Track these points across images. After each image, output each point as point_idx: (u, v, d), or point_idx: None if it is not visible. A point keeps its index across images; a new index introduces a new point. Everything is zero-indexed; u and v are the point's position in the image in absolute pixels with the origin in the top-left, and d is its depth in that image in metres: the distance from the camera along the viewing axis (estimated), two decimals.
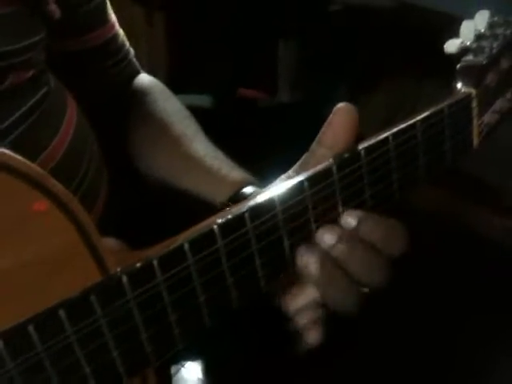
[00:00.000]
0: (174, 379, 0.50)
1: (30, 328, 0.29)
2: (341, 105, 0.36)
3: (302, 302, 0.37)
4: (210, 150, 0.48)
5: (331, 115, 0.36)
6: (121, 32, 0.56)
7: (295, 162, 0.40)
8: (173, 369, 0.51)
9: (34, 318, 0.29)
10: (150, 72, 0.60)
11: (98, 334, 0.30)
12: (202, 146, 0.48)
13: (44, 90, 0.44)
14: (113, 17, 0.55)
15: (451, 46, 0.42)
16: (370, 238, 0.35)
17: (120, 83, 0.56)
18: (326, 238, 0.34)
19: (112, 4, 0.55)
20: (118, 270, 0.31)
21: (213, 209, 0.43)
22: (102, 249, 0.31)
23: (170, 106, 0.54)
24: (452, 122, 0.38)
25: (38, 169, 0.29)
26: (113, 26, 0.55)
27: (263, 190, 0.41)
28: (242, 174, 0.45)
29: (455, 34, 0.44)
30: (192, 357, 0.55)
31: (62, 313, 0.29)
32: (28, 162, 0.29)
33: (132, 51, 0.58)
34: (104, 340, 0.30)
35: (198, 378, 0.55)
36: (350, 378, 0.51)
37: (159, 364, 0.32)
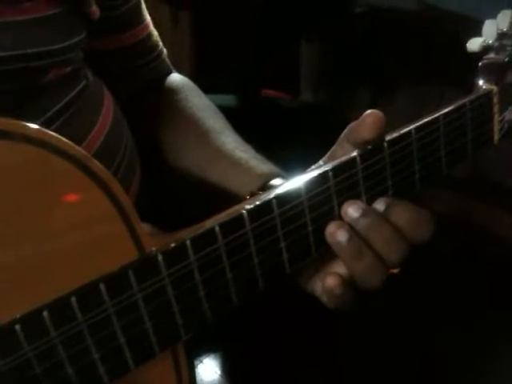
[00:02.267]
0: None
1: (73, 300, 0.31)
2: (370, 111, 0.37)
3: (330, 281, 0.38)
4: (238, 144, 0.50)
5: (360, 118, 0.38)
6: (154, 32, 0.58)
7: (317, 160, 0.42)
8: None
9: (77, 291, 0.31)
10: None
11: (134, 308, 0.32)
12: (230, 140, 0.50)
13: (82, 84, 0.46)
14: (147, 16, 0.57)
15: (473, 44, 0.43)
16: (398, 221, 0.36)
17: (153, 81, 0.58)
18: (350, 211, 0.36)
19: None
20: (154, 249, 0.33)
21: (240, 200, 0.45)
22: (140, 230, 0.33)
23: (200, 103, 0.55)
24: (473, 117, 0.39)
25: (81, 150, 0.31)
26: (147, 26, 0.57)
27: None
28: (269, 166, 0.47)
29: (478, 35, 0.45)
30: (210, 352, 0.56)
31: (102, 286, 0.31)
32: (71, 143, 0.31)
33: (165, 51, 0.60)
34: (139, 313, 0.32)
35: (216, 373, 0.56)
36: (352, 377, 0.52)
37: (188, 338, 0.34)
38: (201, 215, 0.35)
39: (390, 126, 0.40)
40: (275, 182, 0.45)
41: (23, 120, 0.32)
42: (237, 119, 0.56)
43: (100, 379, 0.33)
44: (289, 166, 0.48)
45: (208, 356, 0.56)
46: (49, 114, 0.42)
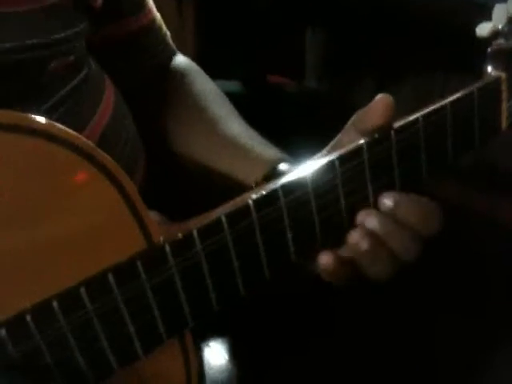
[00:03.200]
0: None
1: (82, 290, 0.31)
2: (381, 95, 0.37)
3: (323, 258, 0.38)
4: (244, 130, 0.50)
5: (370, 103, 0.37)
6: (158, 16, 0.58)
7: (322, 146, 0.41)
8: None
9: (86, 281, 0.31)
10: None
11: (143, 297, 0.33)
12: (236, 126, 0.50)
13: (84, 73, 0.46)
14: (150, 1, 0.56)
15: (483, 29, 0.42)
16: (407, 217, 0.36)
17: (158, 65, 0.57)
18: (367, 222, 0.36)
19: None
20: (162, 239, 0.33)
21: (247, 187, 0.45)
22: (147, 219, 0.33)
23: (206, 88, 0.55)
24: (481, 104, 0.39)
25: (87, 140, 0.31)
26: (150, 11, 0.56)
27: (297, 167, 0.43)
28: (276, 152, 0.47)
29: (485, 20, 0.45)
30: (217, 336, 0.57)
31: (110, 276, 0.32)
32: (76, 134, 0.31)
33: (168, 34, 0.59)
34: (147, 302, 0.33)
35: (224, 358, 0.56)
36: (352, 376, 0.52)
37: (195, 325, 0.35)
38: (207, 203, 0.36)
39: (395, 112, 0.39)
40: (282, 166, 0.45)
41: (26, 108, 0.33)
42: (242, 105, 0.56)
43: (110, 367, 0.33)
44: (294, 152, 0.48)
45: (215, 340, 0.56)
46: (51, 103, 0.42)
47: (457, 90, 0.39)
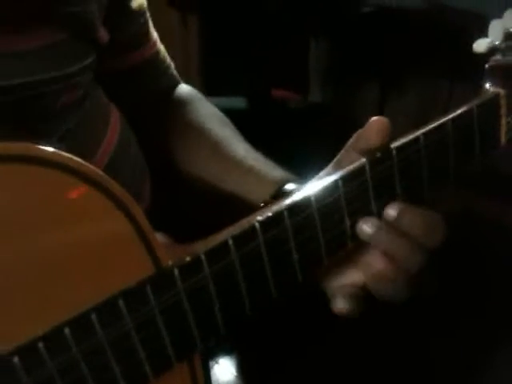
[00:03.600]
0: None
1: (93, 316, 0.32)
2: (376, 117, 0.38)
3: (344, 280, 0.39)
4: (249, 152, 0.50)
5: (366, 125, 0.38)
6: (162, 48, 0.59)
7: (327, 160, 0.42)
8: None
9: (96, 307, 0.32)
10: (184, 74, 0.63)
11: (152, 321, 0.33)
12: (241, 149, 0.51)
13: (88, 106, 0.47)
14: (155, 34, 0.58)
15: (480, 45, 0.43)
16: (410, 230, 0.37)
17: (160, 96, 0.59)
18: (364, 228, 0.37)
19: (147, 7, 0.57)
20: (170, 263, 0.34)
21: (254, 207, 0.45)
22: (155, 243, 0.34)
23: (209, 113, 0.56)
24: (481, 120, 0.39)
25: (99, 171, 0.32)
26: (155, 43, 0.58)
27: (302, 187, 0.44)
28: (281, 172, 0.47)
29: (484, 33, 0.45)
30: (226, 353, 0.57)
31: (121, 302, 0.32)
32: (89, 165, 0.32)
33: (172, 65, 0.61)
34: (157, 326, 0.33)
35: (232, 374, 0.57)
36: (351, 376, 0.53)
37: (203, 348, 0.35)
38: (213, 223, 0.36)
39: (398, 124, 0.40)
40: (288, 187, 0.46)
41: (36, 139, 0.33)
42: (246, 121, 0.56)
43: None
44: (299, 166, 0.48)
45: (224, 357, 0.57)
46: (59, 134, 0.43)
47: (460, 101, 0.40)
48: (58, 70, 0.42)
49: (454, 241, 0.39)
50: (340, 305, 0.38)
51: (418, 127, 0.38)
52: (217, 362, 0.56)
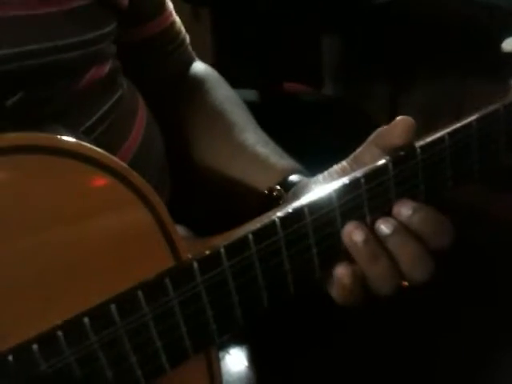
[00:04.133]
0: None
1: (112, 306, 0.32)
2: (401, 117, 0.37)
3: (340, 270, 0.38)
4: (260, 139, 0.50)
5: (391, 123, 0.37)
6: (177, 19, 0.58)
7: (339, 153, 0.41)
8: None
9: (116, 298, 0.32)
10: None
11: (171, 313, 0.33)
12: (252, 135, 0.50)
13: (118, 94, 0.46)
14: (170, 4, 0.56)
15: (509, 44, 0.42)
16: (421, 229, 0.36)
17: (178, 70, 0.57)
18: (382, 228, 0.36)
19: None
20: (190, 256, 0.34)
21: (259, 194, 0.45)
22: (175, 235, 0.34)
23: (224, 95, 0.55)
24: (507, 121, 0.39)
25: (122, 163, 0.32)
26: (171, 13, 0.56)
27: (309, 178, 0.43)
28: (290, 162, 0.47)
29: (503, 28, 0.45)
30: (237, 344, 0.57)
31: (139, 293, 0.32)
32: (112, 157, 0.32)
33: (188, 38, 0.59)
34: (175, 318, 0.33)
35: (243, 365, 0.57)
36: (351, 375, 0.53)
37: (221, 341, 0.35)
38: (221, 209, 0.36)
39: (411, 117, 0.39)
40: (294, 177, 0.45)
41: (65, 129, 0.33)
42: (257, 114, 0.56)
43: (137, 381, 0.34)
44: (311, 160, 0.48)
45: (235, 347, 0.56)
46: (87, 124, 0.43)
47: (474, 96, 0.39)
48: (75, 36, 0.41)
49: (457, 238, 0.39)
50: (340, 270, 0.36)
51: (430, 121, 0.38)
52: (228, 353, 0.56)
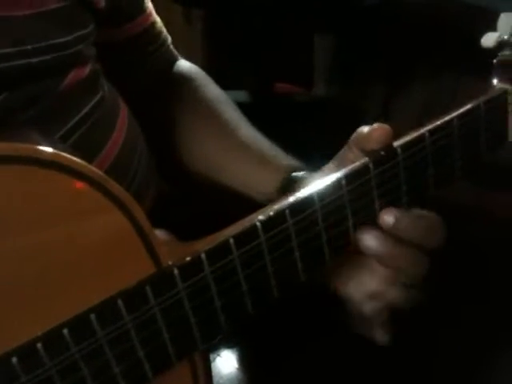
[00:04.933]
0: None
1: (92, 316, 0.32)
2: (377, 125, 0.37)
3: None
4: (255, 137, 0.49)
5: (368, 129, 0.37)
6: (158, 19, 0.57)
7: (331, 154, 0.41)
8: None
9: (95, 308, 0.32)
10: None
11: (152, 321, 0.33)
12: (247, 133, 0.49)
13: (99, 95, 0.46)
14: (150, 5, 0.56)
15: (488, 39, 0.42)
16: (408, 235, 0.36)
17: (161, 69, 0.57)
18: (367, 243, 0.36)
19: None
20: (170, 263, 0.33)
21: (259, 193, 0.45)
22: (154, 241, 0.33)
23: (213, 93, 0.54)
24: (487, 117, 0.39)
25: (99, 171, 0.32)
26: (151, 13, 0.56)
27: (312, 174, 0.43)
28: (288, 159, 0.47)
29: (493, 27, 0.44)
30: (228, 346, 0.57)
31: (120, 302, 0.32)
32: (88, 165, 0.32)
33: (169, 38, 0.58)
34: (157, 326, 0.33)
35: (234, 367, 0.56)
36: (352, 372, 0.52)
37: (205, 348, 0.35)
38: (217, 212, 0.35)
39: (405, 117, 0.39)
40: (297, 174, 0.44)
41: (38, 137, 0.33)
42: (249, 115, 0.56)
43: None
44: (303, 161, 0.48)
45: (226, 349, 0.56)
46: (67, 127, 0.42)
47: (467, 96, 0.39)
48: (48, 39, 0.40)
49: (453, 238, 0.38)
50: (381, 337, 0.38)
51: (423, 122, 0.38)
52: (219, 355, 0.55)
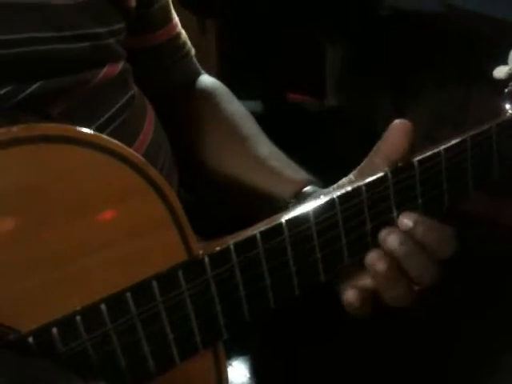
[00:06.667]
0: None
1: (128, 294, 0.34)
2: (397, 121, 0.40)
3: (350, 295, 0.41)
4: (273, 152, 0.52)
5: (388, 130, 0.40)
6: (183, 32, 0.59)
7: (344, 164, 0.44)
8: None
9: (131, 287, 0.34)
10: None
11: (182, 305, 0.35)
12: (266, 147, 0.52)
13: (130, 94, 0.48)
14: (175, 16, 0.58)
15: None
16: (424, 240, 0.39)
17: (184, 80, 0.59)
18: (390, 240, 0.39)
19: None
20: (201, 251, 0.36)
21: (275, 207, 0.47)
22: (188, 229, 0.36)
23: (234, 108, 0.57)
24: (499, 139, 0.42)
25: (141, 157, 0.34)
26: (177, 24, 0.58)
27: (323, 189, 0.46)
28: (303, 174, 0.49)
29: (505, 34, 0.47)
30: (240, 355, 0.58)
31: (154, 283, 0.34)
32: (132, 150, 0.34)
33: (193, 50, 0.61)
34: (186, 310, 0.35)
35: (246, 376, 0.57)
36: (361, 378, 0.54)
37: (228, 337, 0.37)
38: (236, 221, 0.38)
39: (416, 127, 0.42)
40: (309, 189, 0.47)
41: (78, 124, 0.35)
42: (263, 125, 0.58)
43: (148, 371, 0.36)
44: (316, 171, 0.50)
45: (237, 359, 0.57)
46: (100, 121, 0.44)
47: (478, 106, 0.42)
48: (88, 28, 0.43)
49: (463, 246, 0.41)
50: (350, 295, 0.40)
51: (434, 132, 0.40)
52: (230, 364, 0.56)
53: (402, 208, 0.40)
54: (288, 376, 0.54)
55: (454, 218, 0.42)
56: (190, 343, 0.36)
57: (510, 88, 0.44)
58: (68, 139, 0.33)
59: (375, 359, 0.54)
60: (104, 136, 0.34)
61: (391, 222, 0.40)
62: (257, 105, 1.34)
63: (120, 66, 0.47)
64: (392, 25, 1.36)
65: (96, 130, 0.44)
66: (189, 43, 0.60)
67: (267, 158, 0.51)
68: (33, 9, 0.40)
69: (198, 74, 0.61)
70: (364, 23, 1.41)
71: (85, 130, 0.33)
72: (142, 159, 0.34)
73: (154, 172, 0.34)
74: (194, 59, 0.61)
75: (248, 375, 0.56)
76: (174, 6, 0.58)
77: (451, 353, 0.54)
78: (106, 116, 0.45)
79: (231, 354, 0.57)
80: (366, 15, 1.42)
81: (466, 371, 0.53)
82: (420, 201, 0.40)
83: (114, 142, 0.34)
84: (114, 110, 0.46)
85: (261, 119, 0.58)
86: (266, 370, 0.57)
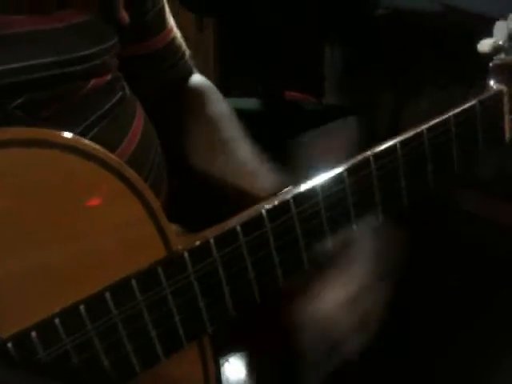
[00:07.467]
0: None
1: (107, 295, 0.34)
2: None
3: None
4: (252, 157, 0.52)
5: None
6: (178, 33, 0.59)
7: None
8: None
9: (110, 287, 0.34)
10: None
11: (164, 302, 0.35)
12: (246, 151, 0.52)
13: (119, 96, 0.48)
14: (171, 19, 0.58)
15: (484, 45, 0.44)
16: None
17: (177, 81, 0.59)
18: None
19: None
20: (180, 247, 0.35)
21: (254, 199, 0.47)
22: (167, 228, 0.35)
23: (220, 109, 0.57)
24: (484, 117, 0.40)
25: (117, 158, 0.34)
26: (172, 29, 0.58)
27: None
28: (282, 178, 0.48)
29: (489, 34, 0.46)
30: (236, 351, 0.58)
31: (133, 282, 0.34)
32: (107, 152, 0.34)
33: (188, 51, 0.61)
34: (168, 307, 0.35)
35: (243, 373, 0.57)
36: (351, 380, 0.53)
37: (214, 331, 0.37)
38: (220, 211, 0.38)
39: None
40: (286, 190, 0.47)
41: (63, 128, 0.35)
42: (261, 123, 0.58)
43: (133, 369, 0.35)
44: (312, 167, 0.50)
45: (234, 356, 0.57)
46: (87, 123, 0.44)
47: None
48: (78, 51, 0.43)
49: (448, 239, 0.40)
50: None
51: None
52: (227, 361, 0.56)
53: (386, 192, 0.39)
54: (285, 373, 0.54)
55: (450, 217, 0.41)
56: (173, 339, 0.36)
57: (494, 62, 0.43)
58: (46, 143, 0.33)
59: (374, 358, 0.53)
60: (82, 139, 0.34)
61: (374, 206, 0.39)
62: (255, 103, 1.34)
63: (109, 76, 0.47)
64: (390, 23, 1.36)
65: (84, 129, 0.44)
66: (184, 44, 0.61)
67: (244, 162, 0.51)
68: (26, 37, 0.40)
69: (190, 74, 0.61)
70: (363, 22, 1.40)
71: (63, 133, 0.33)
72: (120, 161, 0.34)
73: (131, 174, 0.34)
74: (189, 59, 0.61)
75: (245, 372, 0.56)
76: (172, 3, 0.58)
77: (451, 353, 0.53)
78: (94, 117, 0.45)
79: (227, 350, 0.56)
80: (364, 14, 1.41)
81: (466, 371, 0.52)
82: (403, 183, 0.39)
83: (92, 146, 0.34)
84: (102, 111, 0.46)
85: (259, 117, 0.57)
86: (263, 367, 0.57)
